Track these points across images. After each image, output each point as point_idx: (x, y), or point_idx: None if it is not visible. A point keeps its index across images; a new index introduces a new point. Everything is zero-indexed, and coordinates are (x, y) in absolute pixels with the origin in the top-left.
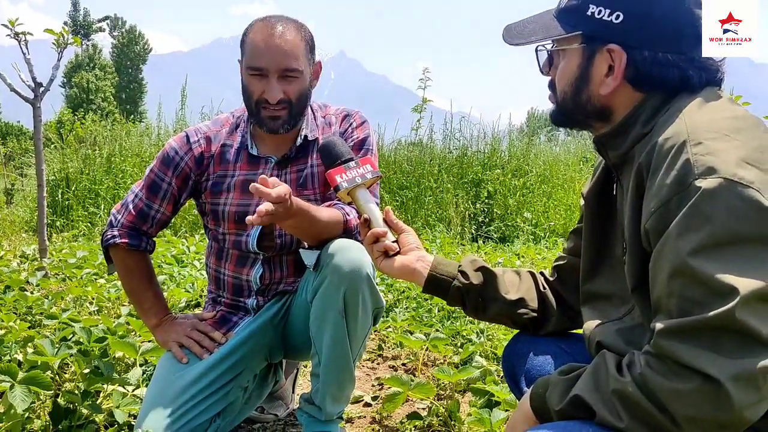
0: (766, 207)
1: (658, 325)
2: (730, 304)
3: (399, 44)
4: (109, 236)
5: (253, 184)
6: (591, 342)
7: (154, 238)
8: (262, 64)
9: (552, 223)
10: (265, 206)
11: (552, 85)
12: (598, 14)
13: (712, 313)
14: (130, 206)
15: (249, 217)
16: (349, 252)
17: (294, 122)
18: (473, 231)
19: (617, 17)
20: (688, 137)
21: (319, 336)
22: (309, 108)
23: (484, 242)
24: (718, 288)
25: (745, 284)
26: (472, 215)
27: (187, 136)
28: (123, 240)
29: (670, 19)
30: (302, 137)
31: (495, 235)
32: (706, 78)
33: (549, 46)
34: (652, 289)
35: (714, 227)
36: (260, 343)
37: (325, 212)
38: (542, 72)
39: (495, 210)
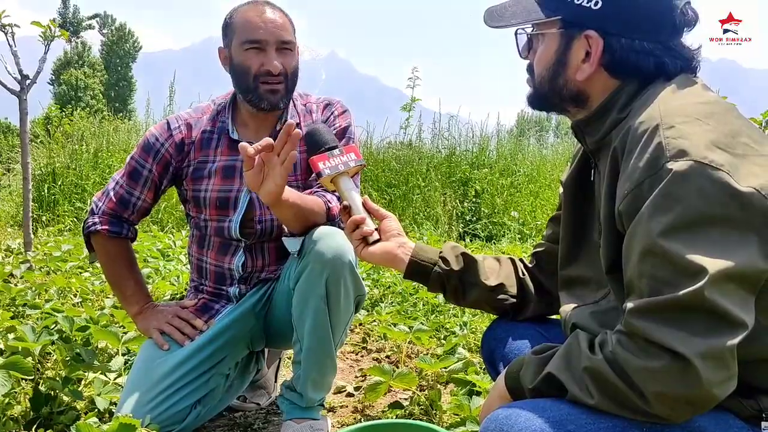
0: (736, 189)
1: (629, 305)
2: (699, 284)
3: (390, 45)
4: (90, 223)
5: (241, 143)
6: (567, 324)
7: (136, 227)
8: (261, 37)
9: (539, 222)
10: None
11: (530, 69)
12: (577, 0)
13: (681, 293)
14: (111, 194)
15: (244, 144)
16: (331, 239)
17: (288, 98)
18: (460, 229)
19: (596, 3)
20: (660, 121)
21: (300, 322)
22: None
23: (471, 240)
24: (687, 268)
25: (713, 264)
26: (459, 214)
27: (168, 123)
28: (104, 227)
29: (649, 7)
30: (284, 122)
31: (482, 234)
32: (681, 66)
33: (529, 30)
34: (624, 270)
35: (684, 208)
36: (242, 331)
37: (308, 199)
38: (521, 55)
39: (482, 209)
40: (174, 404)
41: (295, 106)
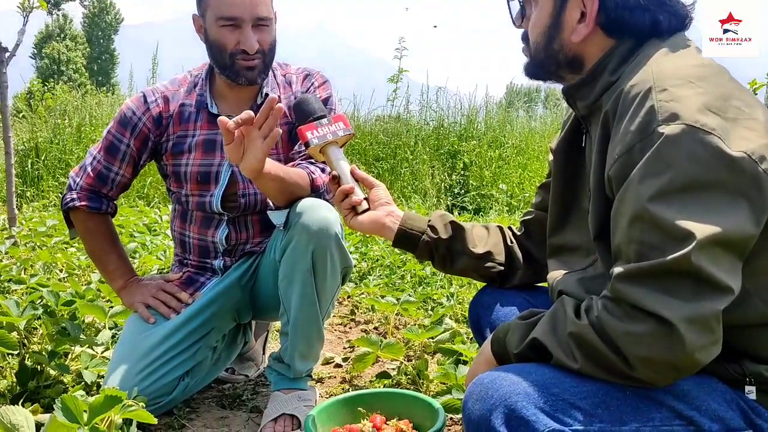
0: (727, 153)
1: (616, 270)
2: (687, 249)
3: (378, 16)
4: (68, 199)
5: (220, 117)
6: (554, 291)
7: (116, 202)
8: (236, 14)
9: (527, 195)
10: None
11: (525, 38)
12: None
13: (668, 258)
14: (89, 169)
15: (223, 118)
16: (317, 211)
17: (266, 73)
18: (449, 202)
19: None
20: (653, 83)
21: (287, 294)
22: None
23: (459, 213)
24: (675, 233)
25: (702, 229)
26: (447, 186)
27: (144, 96)
28: (83, 203)
29: None
30: (263, 95)
31: (470, 207)
32: (675, 24)
33: None
34: (612, 236)
35: (675, 173)
36: (228, 303)
37: (292, 172)
38: (514, 24)
39: (471, 181)
40: (161, 376)
41: (275, 77)
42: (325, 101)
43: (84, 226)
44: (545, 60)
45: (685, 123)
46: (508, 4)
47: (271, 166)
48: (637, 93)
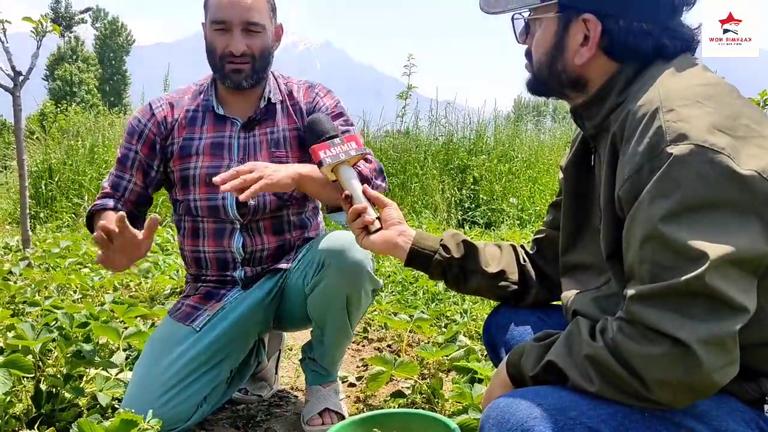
0: (737, 173)
1: (630, 291)
2: (701, 269)
3: (386, 33)
4: (87, 213)
5: (214, 178)
6: (568, 310)
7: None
8: (225, 17)
9: (537, 208)
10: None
11: (529, 54)
12: None
13: (682, 278)
14: (106, 183)
15: (217, 179)
16: (349, 254)
17: (257, 77)
18: (459, 217)
19: None
20: (660, 104)
21: (321, 322)
22: (272, 74)
23: (470, 228)
24: (688, 253)
25: (715, 249)
26: (458, 201)
27: (150, 105)
28: (93, 208)
29: None
30: (266, 99)
31: (481, 221)
32: (680, 46)
33: (526, 15)
34: (625, 256)
35: (685, 193)
36: (251, 324)
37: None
38: (518, 41)
39: (481, 195)
40: (181, 402)
41: (279, 85)
42: (335, 106)
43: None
44: (548, 79)
45: (693, 143)
46: (512, 22)
47: (309, 169)
48: (645, 114)
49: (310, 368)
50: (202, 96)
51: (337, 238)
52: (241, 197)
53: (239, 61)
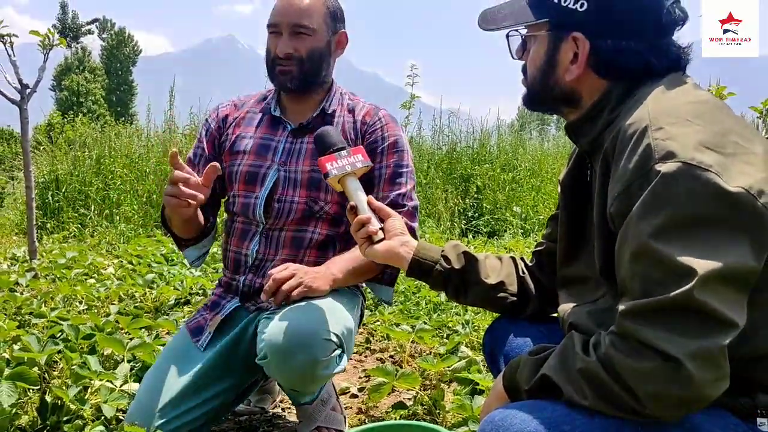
0: (725, 190)
1: (621, 307)
2: (689, 285)
3: (390, 42)
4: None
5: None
6: (564, 323)
7: (212, 218)
8: (275, 20)
9: (541, 217)
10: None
11: (524, 70)
12: (564, 2)
13: (671, 294)
14: None
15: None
16: (292, 355)
17: (304, 81)
18: (463, 226)
19: (581, 5)
20: (650, 122)
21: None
22: (339, 89)
23: (473, 237)
24: (677, 269)
25: (703, 265)
26: (461, 210)
27: (218, 106)
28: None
29: (633, 7)
30: (320, 109)
31: (484, 230)
32: (667, 64)
33: (523, 32)
34: (617, 271)
35: (673, 210)
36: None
37: (359, 267)
38: (513, 57)
39: (484, 204)
40: (188, 422)
41: (341, 98)
42: (393, 145)
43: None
44: (541, 94)
45: (681, 161)
46: (507, 39)
47: (345, 269)
48: (634, 132)
49: (290, 394)
50: (266, 100)
51: (289, 323)
52: (275, 301)
53: (286, 63)
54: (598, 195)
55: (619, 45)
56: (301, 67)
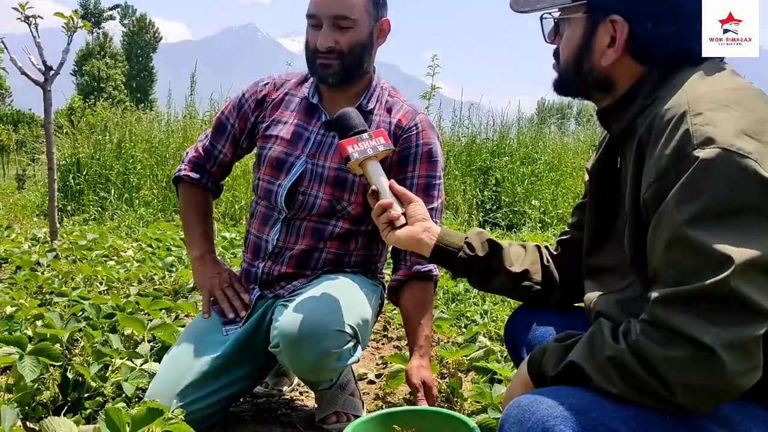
0: (764, 177)
1: (654, 294)
2: (725, 273)
3: (410, 32)
4: (177, 170)
5: None
6: (591, 312)
7: (220, 183)
8: (314, 12)
9: (560, 211)
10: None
11: (557, 54)
12: None
13: (706, 282)
14: (199, 145)
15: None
16: (305, 344)
17: (346, 74)
18: (481, 218)
19: None
20: (688, 108)
21: None
22: (381, 84)
23: (491, 229)
24: (713, 257)
25: (740, 253)
26: (479, 202)
27: (257, 82)
28: (186, 173)
29: None
30: (358, 105)
31: (502, 223)
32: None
33: (556, 14)
34: (649, 259)
35: (711, 197)
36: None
37: (427, 319)
38: (546, 40)
39: (503, 197)
40: (206, 407)
41: (381, 95)
42: (428, 154)
43: (184, 195)
44: (574, 79)
45: (720, 147)
46: (541, 21)
47: (425, 342)
48: (672, 117)
49: (305, 381)
50: (306, 84)
51: (302, 313)
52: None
53: (326, 56)
54: (630, 182)
55: (659, 29)
56: (343, 60)
